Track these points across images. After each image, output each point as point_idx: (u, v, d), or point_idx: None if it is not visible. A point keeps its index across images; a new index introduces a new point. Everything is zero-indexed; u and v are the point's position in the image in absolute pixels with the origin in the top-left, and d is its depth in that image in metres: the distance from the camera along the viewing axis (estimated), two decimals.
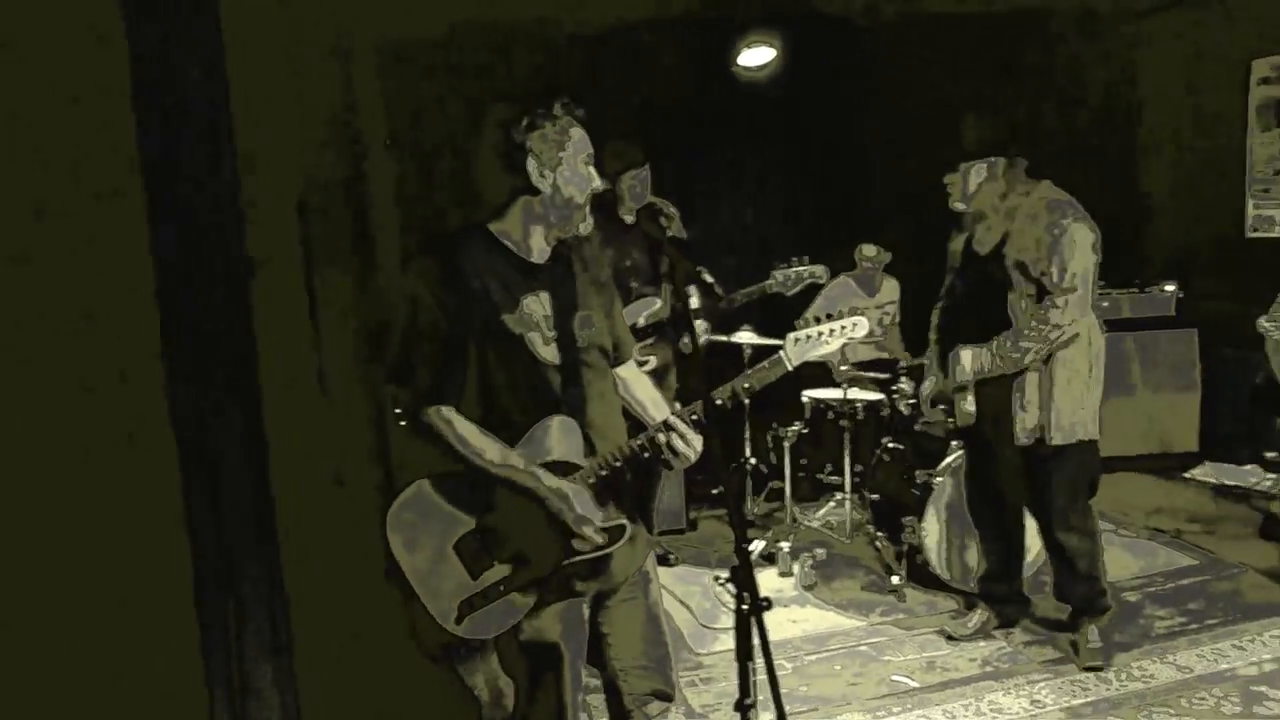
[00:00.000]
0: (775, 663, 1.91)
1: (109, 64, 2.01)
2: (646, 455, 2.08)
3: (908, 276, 5.40)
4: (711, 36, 5.30)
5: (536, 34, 5.13)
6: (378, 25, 4.40)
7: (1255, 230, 5.68)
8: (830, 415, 4.73)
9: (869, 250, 5.21)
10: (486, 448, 2.03)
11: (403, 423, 2.06)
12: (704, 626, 3.88)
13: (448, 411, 2.04)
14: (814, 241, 5.93)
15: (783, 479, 4.78)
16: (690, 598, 4.14)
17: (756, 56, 5.21)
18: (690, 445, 2.07)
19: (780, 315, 4.56)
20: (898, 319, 5.40)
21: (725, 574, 1.92)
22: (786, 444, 4.73)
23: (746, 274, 4.64)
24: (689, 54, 5.35)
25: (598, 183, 2.16)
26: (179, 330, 2.07)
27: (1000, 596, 3.70)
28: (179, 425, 2.06)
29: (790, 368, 2.24)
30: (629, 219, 4.04)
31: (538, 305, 2.09)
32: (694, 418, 2.07)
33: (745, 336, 4.58)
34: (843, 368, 4.57)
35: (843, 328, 2.28)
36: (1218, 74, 5.76)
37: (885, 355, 5.12)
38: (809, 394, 4.93)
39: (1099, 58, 6.24)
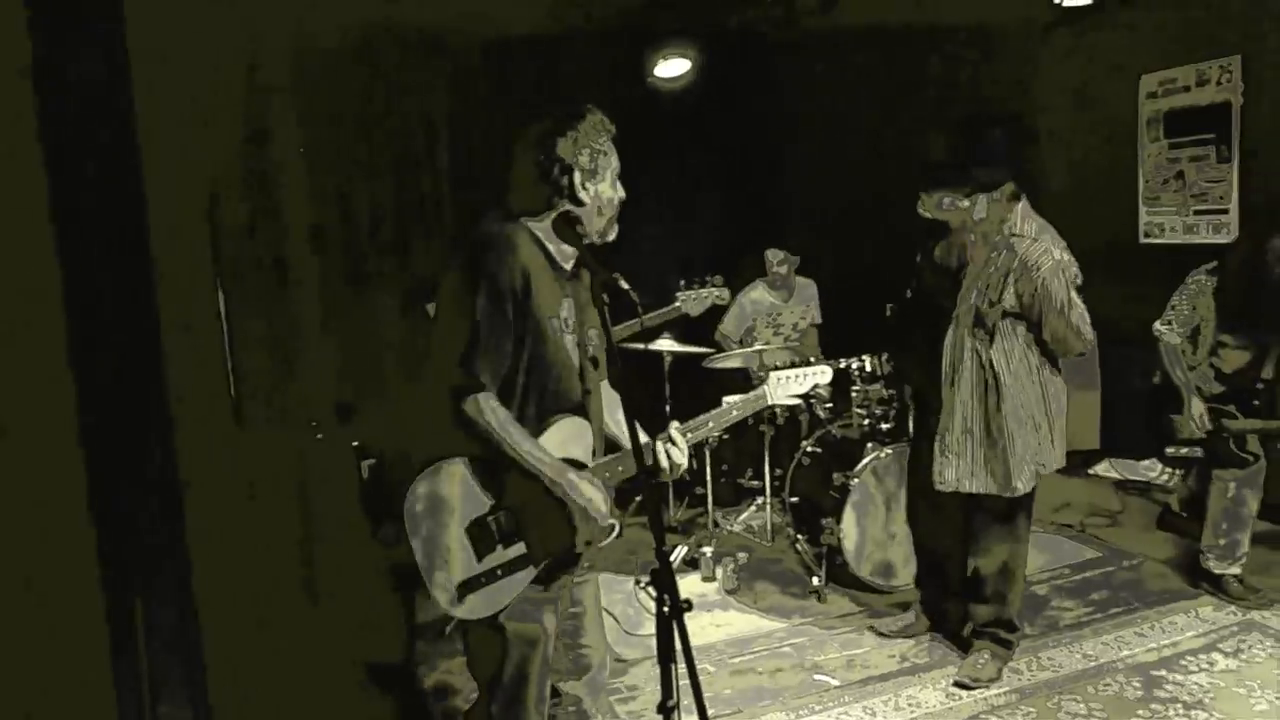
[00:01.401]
0: (698, 665, 1.92)
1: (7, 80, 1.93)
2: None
3: (820, 281, 5.51)
4: (628, 48, 5.33)
5: (451, 42, 5.09)
6: (289, 32, 4.32)
7: (1148, 236, 5.96)
8: (750, 420, 4.79)
9: (775, 255, 5.29)
10: (524, 439, 2.11)
11: (462, 407, 2.09)
12: (628, 633, 3.88)
13: (494, 400, 2.11)
14: (730, 249, 6.05)
15: (704, 485, 4.82)
16: (614, 605, 4.14)
17: (672, 68, 5.26)
18: (684, 456, 2.35)
19: (694, 324, 4.62)
20: (816, 321, 5.49)
21: (646, 578, 1.94)
22: (707, 450, 4.77)
23: (671, 281, 4.69)
24: (605, 64, 5.36)
25: (622, 194, 2.32)
26: (87, 353, 1.99)
27: (931, 598, 3.77)
28: (88, 445, 1.98)
29: (770, 403, 2.78)
30: None
31: (569, 310, 2.23)
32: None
33: (665, 344, 4.62)
34: (759, 373, 4.62)
35: (813, 374, 2.85)
36: (1110, 88, 6.03)
37: (800, 359, 5.19)
38: (728, 399, 4.98)
39: (999, 72, 6.48)
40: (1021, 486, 3.25)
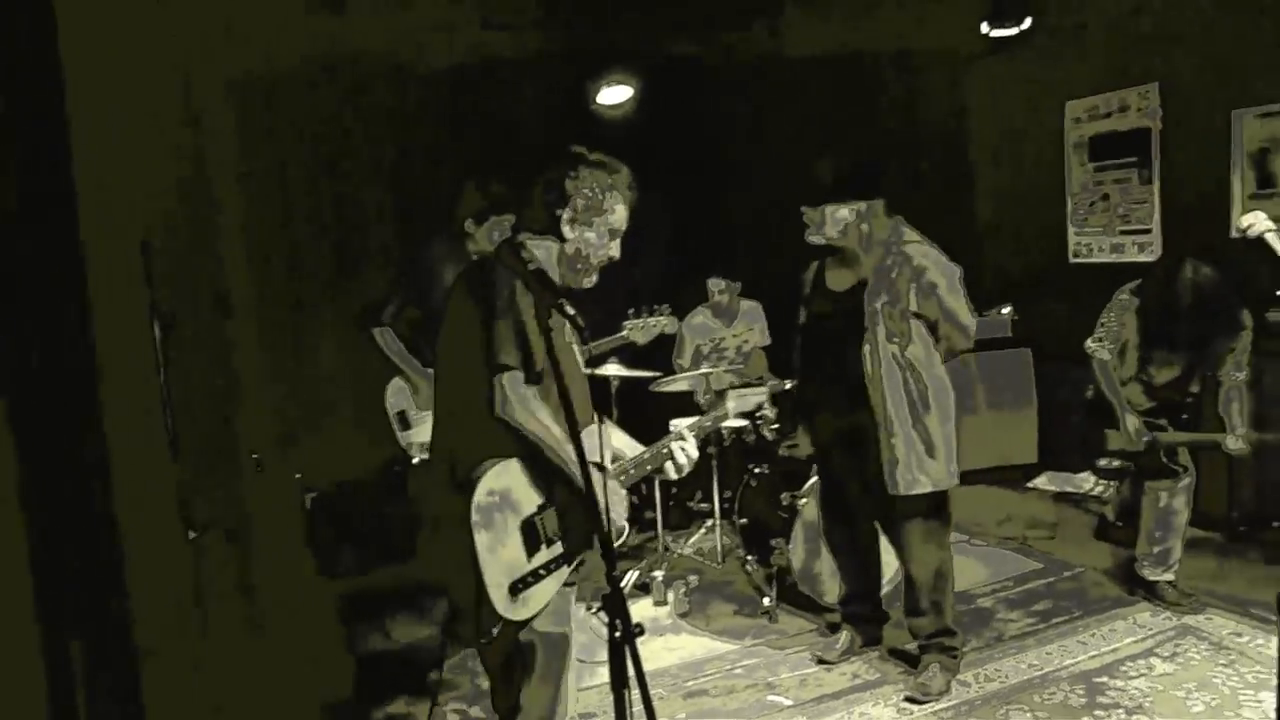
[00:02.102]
0: (652, 690, 1.92)
1: None
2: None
3: (766, 305, 5.58)
4: (569, 74, 5.38)
5: (393, 70, 5.09)
6: (227, 61, 4.28)
7: (1077, 256, 6.16)
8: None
9: (715, 284, 5.36)
10: (562, 438, 2.18)
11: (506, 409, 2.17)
12: (580, 661, 3.85)
13: (537, 399, 2.20)
14: (675, 274, 6.09)
15: (654, 509, 4.83)
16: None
17: (614, 95, 5.32)
18: (691, 456, 2.51)
19: (641, 348, 4.65)
20: (762, 343, 5.56)
21: (598, 604, 1.94)
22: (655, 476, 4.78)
23: (615, 305, 4.71)
24: (547, 92, 5.40)
25: (615, 254, 2.49)
26: (19, 388, 1.94)
27: (862, 616, 3.83)
28: (23, 482, 1.92)
29: (730, 418, 3.08)
30: None
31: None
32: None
33: (613, 369, 4.63)
34: (705, 396, 4.67)
35: (759, 391, 3.55)
36: (1037, 115, 6.25)
37: (749, 381, 5.24)
38: (676, 424, 5.01)
39: (933, 98, 6.68)
40: (949, 478, 3.36)
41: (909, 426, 3.32)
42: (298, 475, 4.65)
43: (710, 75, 5.77)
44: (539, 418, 2.18)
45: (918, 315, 3.31)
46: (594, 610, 3.97)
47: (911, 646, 3.65)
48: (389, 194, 5.26)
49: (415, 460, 4.36)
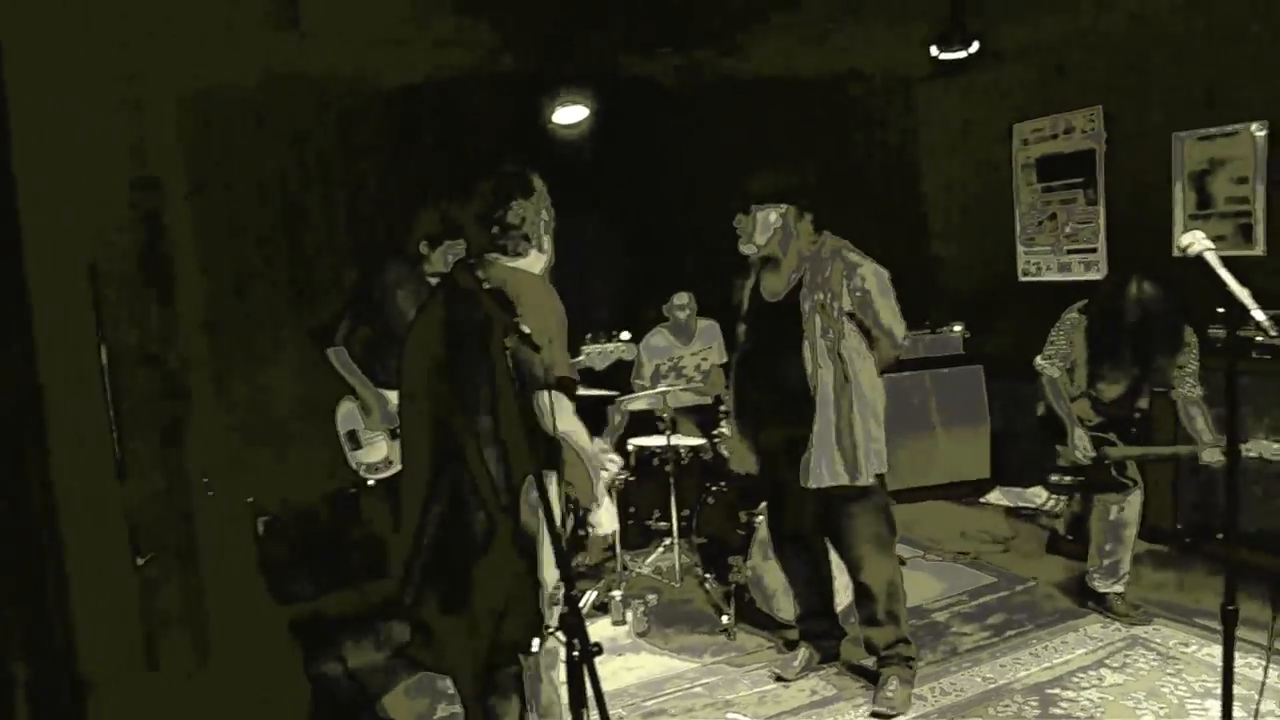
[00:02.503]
0: (611, 710, 1.92)
1: None
2: None
3: (724, 322, 5.62)
4: (526, 93, 5.39)
5: (349, 87, 5.06)
6: (180, 75, 4.23)
7: (1026, 275, 6.29)
8: (655, 462, 4.83)
9: (680, 297, 5.39)
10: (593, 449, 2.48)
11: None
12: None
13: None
14: (633, 294, 6.11)
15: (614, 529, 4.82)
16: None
17: (570, 114, 5.33)
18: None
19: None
20: (720, 361, 5.59)
21: (555, 624, 1.92)
22: (614, 493, 4.78)
23: (572, 324, 4.69)
24: (504, 110, 5.40)
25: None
26: None
27: (819, 633, 3.85)
28: None
29: None
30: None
31: None
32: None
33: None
34: (664, 414, 4.68)
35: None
36: (987, 136, 6.38)
37: (706, 400, 5.27)
38: (634, 442, 5.01)
39: (886, 121, 6.79)
40: (865, 475, 3.37)
41: (832, 420, 3.33)
42: (249, 499, 4.57)
43: (665, 96, 5.82)
44: (582, 429, 2.41)
45: (851, 316, 3.36)
46: (551, 630, 3.94)
47: (869, 661, 3.68)
48: (343, 212, 5.22)
49: (370, 482, 4.31)
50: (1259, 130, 4.75)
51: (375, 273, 4.16)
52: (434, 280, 4.05)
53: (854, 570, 3.56)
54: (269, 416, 5.00)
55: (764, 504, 4.14)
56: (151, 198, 3.33)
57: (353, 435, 4.24)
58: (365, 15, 4.18)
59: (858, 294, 3.33)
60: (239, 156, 4.86)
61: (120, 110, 3.01)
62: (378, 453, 4.22)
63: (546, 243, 2.64)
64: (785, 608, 4.07)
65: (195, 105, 4.61)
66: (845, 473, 3.35)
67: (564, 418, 2.35)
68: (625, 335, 4.40)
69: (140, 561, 2.59)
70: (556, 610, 2.10)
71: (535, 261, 2.59)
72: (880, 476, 3.44)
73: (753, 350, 3.60)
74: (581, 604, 3.88)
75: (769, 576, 4.12)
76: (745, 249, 3.50)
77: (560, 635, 1.87)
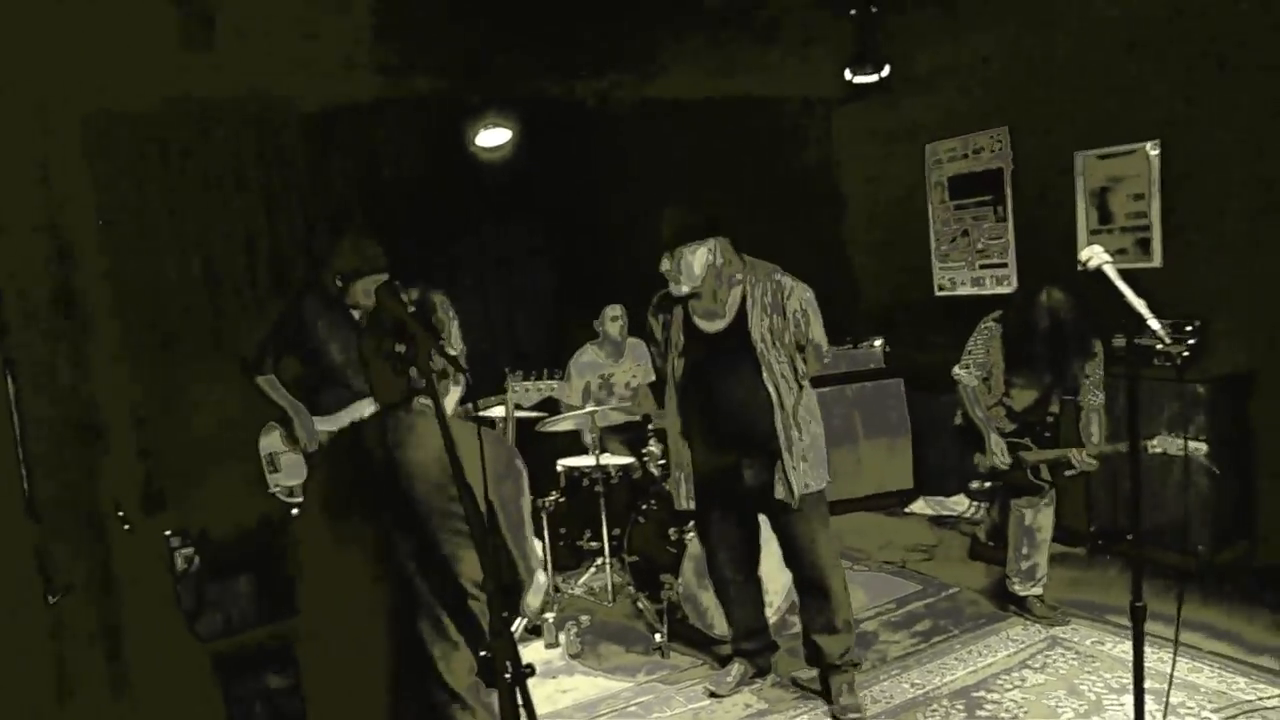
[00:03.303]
0: None
1: None
2: None
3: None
4: (447, 117, 5.37)
5: (264, 111, 4.97)
6: (88, 98, 4.12)
7: (942, 290, 6.48)
8: (585, 482, 4.83)
9: (612, 310, 5.41)
10: None
11: None
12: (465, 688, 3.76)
13: None
14: (558, 313, 6.11)
15: (544, 550, 4.79)
16: None
17: (493, 137, 5.33)
18: None
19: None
20: (648, 379, 5.62)
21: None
22: (544, 514, 4.76)
23: (498, 351, 4.69)
24: (424, 134, 5.37)
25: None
26: None
27: (753, 649, 3.88)
28: None
29: None
30: (357, 315, 4.05)
31: None
32: None
33: (498, 411, 4.60)
34: (591, 435, 4.69)
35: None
36: (901, 156, 6.58)
37: (636, 418, 5.28)
38: (564, 463, 5.01)
39: (805, 143, 6.95)
40: (814, 483, 3.50)
41: (796, 434, 3.45)
42: (167, 532, 4.43)
43: (588, 118, 5.85)
44: None
45: (782, 331, 3.46)
46: (481, 654, 3.90)
47: (804, 673, 3.71)
48: (261, 238, 5.10)
49: (294, 512, 4.25)
50: (1153, 149, 5.00)
51: (293, 308, 4.17)
52: (356, 313, 4.05)
53: (814, 577, 3.59)
54: (188, 448, 4.86)
55: (693, 523, 4.17)
56: (60, 225, 3.23)
57: (272, 459, 4.20)
58: (280, 39, 4.13)
59: (798, 315, 3.44)
60: (151, 181, 4.73)
61: (26, 134, 2.92)
62: (298, 475, 4.19)
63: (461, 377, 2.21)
64: (719, 623, 4.10)
65: (104, 128, 4.49)
66: (813, 480, 3.49)
67: None
68: (558, 374, 4.43)
69: (52, 600, 2.49)
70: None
71: (453, 399, 2.27)
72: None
73: (698, 381, 3.57)
74: (513, 627, 3.84)
75: (702, 593, 4.15)
76: (679, 290, 3.50)
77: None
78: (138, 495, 4.21)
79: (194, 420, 4.85)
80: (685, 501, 3.70)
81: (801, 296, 3.46)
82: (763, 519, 3.76)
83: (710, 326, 3.53)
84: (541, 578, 2.37)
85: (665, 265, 3.50)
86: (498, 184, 5.53)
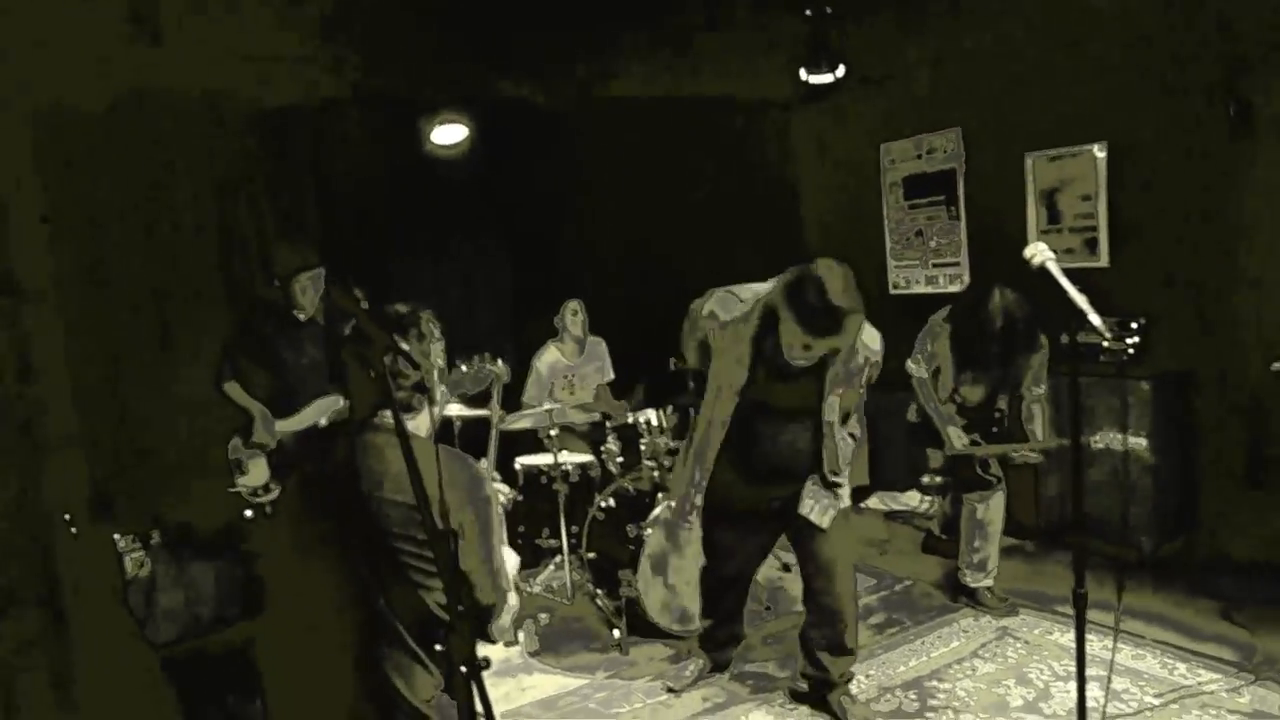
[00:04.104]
0: None
1: None
2: None
3: (608, 341, 5.68)
4: (402, 115, 5.33)
5: (214, 109, 4.90)
6: (32, 91, 4.03)
7: (896, 288, 6.57)
8: (544, 480, 4.83)
9: (572, 305, 5.41)
10: None
11: None
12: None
13: None
14: (516, 311, 6.11)
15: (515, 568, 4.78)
16: None
17: (449, 134, 5.30)
18: None
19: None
20: (607, 378, 5.64)
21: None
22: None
23: (453, 349, 4.66)
24: (378, 132, 5.32)
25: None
26: None
27: (721, 641, 3.89)
28: None
29: None
30: (301, 317, 4.22)
31: None
32: None
33: (454, 409, 4.59)
34: (552, 433, 4.69)
35: None
36: (856, 156, 6.66)
37: (595, 416, 5.29)
38: (522, 461, 5.01)
39: (764, 142, 7.00)
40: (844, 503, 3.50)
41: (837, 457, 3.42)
42: (115, 535, 4.36)
43: (545, 117, 5.84)
44: None
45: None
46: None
47: (802, 685, 3.64)
48: (210, 237, 5.03)
49: (248, 513, 4.24)
50: (1100, 151, 5.12)
51: (245, 316, 4.37)
52: (300, 315, 4.23)
53: (830, 598, 3.45)
54: (138, 451, 4.79)
55: (651, 516, 4.19)
56: (3, 225, 3.17)
57: (239, 463, 4.23)
58: (230, 33, 4.08)
59: (871, 363, 3.38)
60: (98, 177, 4.65)
61: None
62: (259, 475, 4.21)
63: (439, 393, 2.22)
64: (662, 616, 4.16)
65: (49, 123, 4.40)
66: (845, 500, 3.46)
67: None
68: (499, 361, 4.42)
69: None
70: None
71: (424, 421, 2.19)
72: None
73: (761, 409, 3.31)
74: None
75: (658, 589, 4.17)
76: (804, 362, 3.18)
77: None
78: (84, 499, 4.13)
79: (144, 423, 4.77)
80: (685, 513, 3.48)
81: (872, 349, 3.35)
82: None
83: (798, 360, 3.16)
84: (513, 599, 2.32)
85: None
86: (453, 182, 5.50)
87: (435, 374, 2.20)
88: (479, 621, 2.24)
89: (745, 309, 3.25)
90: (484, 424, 4.80)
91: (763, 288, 3.21)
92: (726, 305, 3.29)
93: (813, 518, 3.37)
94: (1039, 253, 2.39)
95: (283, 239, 4.17)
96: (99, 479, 4.53)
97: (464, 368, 4.32)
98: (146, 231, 4.82)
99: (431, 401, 2.19)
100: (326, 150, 5.25)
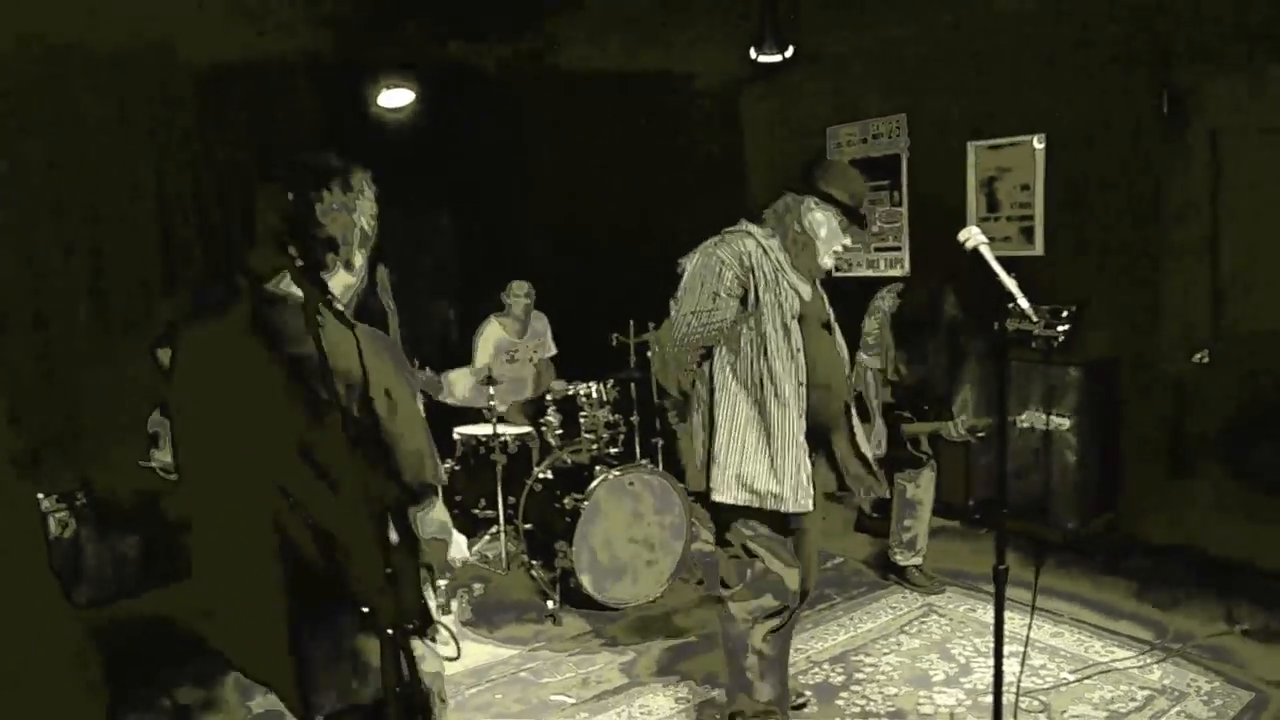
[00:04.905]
0: (436, 699, 1.93)
1: None
2: None
3: (550, 313, 5.66)
4: (347, 76, 5.23)
5: (151, 63, 4.74)
6: None
7: (839, 271, 6.60)
8: (482, 450, 4.82)
9: (520, 286, 5.38)
10: None
11: None
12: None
13: None
14: (463, 282, 6.06)
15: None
16: None
17: (395, 98, 5.21)
18: None
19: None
20: (550, 353, 5.63)
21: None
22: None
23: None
24: (323, 93, 5.21)
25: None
26: None
27: None
28: None
29: None
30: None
31: None
32: None
33: None
34: (501, 407, 4.67)
35: None
36: (805, 138, 6.70)
37: (536, 395, 5.29)
38: (460, 430, 4.98)
39: (713, 120, 7.00)
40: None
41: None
42: (40, 494, 4.25)
43: (493, 85, 5.78)
44: None
45: None
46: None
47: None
48: (148, 202, 4.88)
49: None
50: (1039, 143, 5.22)
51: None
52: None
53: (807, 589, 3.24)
54: (65, 411, 4.67)
55: (589, 488, 4.21)
56: None
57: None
58: None
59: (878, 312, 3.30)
60: (26, 135, 4.48)
61: None
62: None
63: (359, 259, 1.98)
64: (616, 591, 4.17)
65: None
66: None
67: None
68: (427, 370, 4.41)
69: None
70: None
71: (340, 283, 1.95)
72: None
73: (808, 359, 2.94)
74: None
75: (593, 561, 4.19)
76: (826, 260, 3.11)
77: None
78: (5, 455, 4.02)
79: (71, 386, 4.65)
80: (802, 498, 2.90)
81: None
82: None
83: (805, 292, 3.01)
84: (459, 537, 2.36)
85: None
86: (398, 145, 5.41)
87: (356, 234, 1.93)
88: (423, 501, 2.07)
89: (762, 229, 3.13)
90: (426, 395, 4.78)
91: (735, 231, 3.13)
92: (734, 242, 3.03)
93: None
94: (972, 236, 2.44)
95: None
96: (26, 437, 4.41)
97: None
98: (78, 192, 4.66)
99: (348, 265, 1.94)
100: (268, 110, 5.12)
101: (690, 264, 2.99)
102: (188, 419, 1.98)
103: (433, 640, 2.24)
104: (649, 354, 4.91)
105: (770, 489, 2.85)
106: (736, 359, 2.89)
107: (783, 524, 2.97)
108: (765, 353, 2.86)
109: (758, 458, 2.86)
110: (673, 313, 2.97)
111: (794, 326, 2.91)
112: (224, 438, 1.89)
